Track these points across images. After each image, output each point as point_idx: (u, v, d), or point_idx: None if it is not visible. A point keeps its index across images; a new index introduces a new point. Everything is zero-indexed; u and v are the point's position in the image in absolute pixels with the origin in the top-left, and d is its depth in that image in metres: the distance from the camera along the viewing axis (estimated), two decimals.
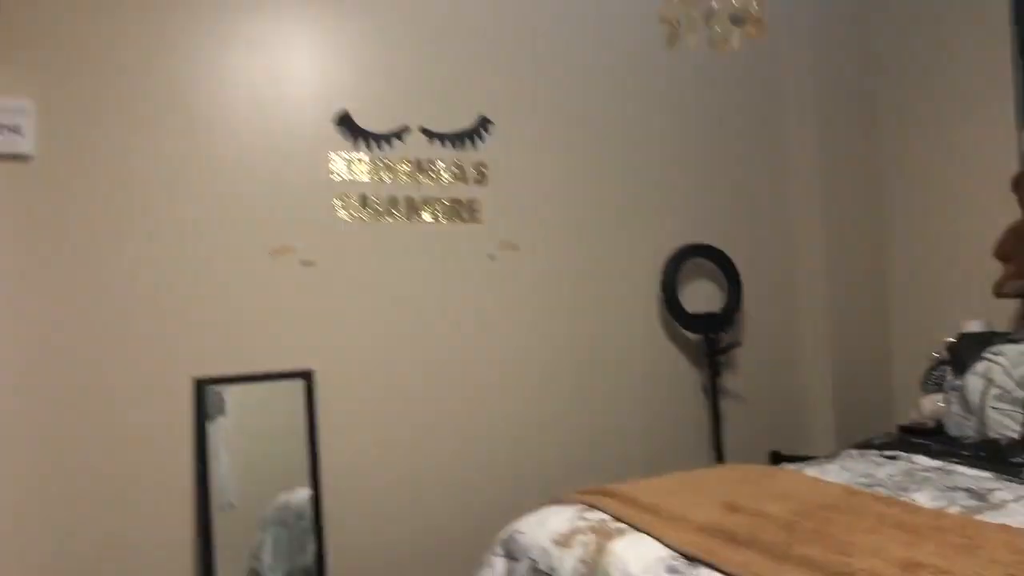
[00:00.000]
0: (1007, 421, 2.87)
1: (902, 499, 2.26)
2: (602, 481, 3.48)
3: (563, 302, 3.57)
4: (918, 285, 4.02)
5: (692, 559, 1.95)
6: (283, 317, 3.07)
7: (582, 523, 2.34)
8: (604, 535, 2.21)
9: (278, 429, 3.05)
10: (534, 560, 2.33)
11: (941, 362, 3.72)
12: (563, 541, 2.28)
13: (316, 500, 3.06)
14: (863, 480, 2.54)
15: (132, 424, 2.80)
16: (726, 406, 3.81)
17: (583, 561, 2.15)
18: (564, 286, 3.58)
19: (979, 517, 2.09)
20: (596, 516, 2.36)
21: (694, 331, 3.73)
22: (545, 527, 2.40)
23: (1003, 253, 3.45)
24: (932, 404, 3.53)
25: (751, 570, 1.80)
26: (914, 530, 1.92)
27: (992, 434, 2.89)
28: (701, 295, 3.84)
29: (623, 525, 2.25)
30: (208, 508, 2.85)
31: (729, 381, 3.84)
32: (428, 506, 3.26)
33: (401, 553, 3.20)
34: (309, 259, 3.13)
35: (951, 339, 3.29)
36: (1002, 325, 3.52)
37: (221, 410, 2.95)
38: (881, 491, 2.37)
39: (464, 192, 3.40)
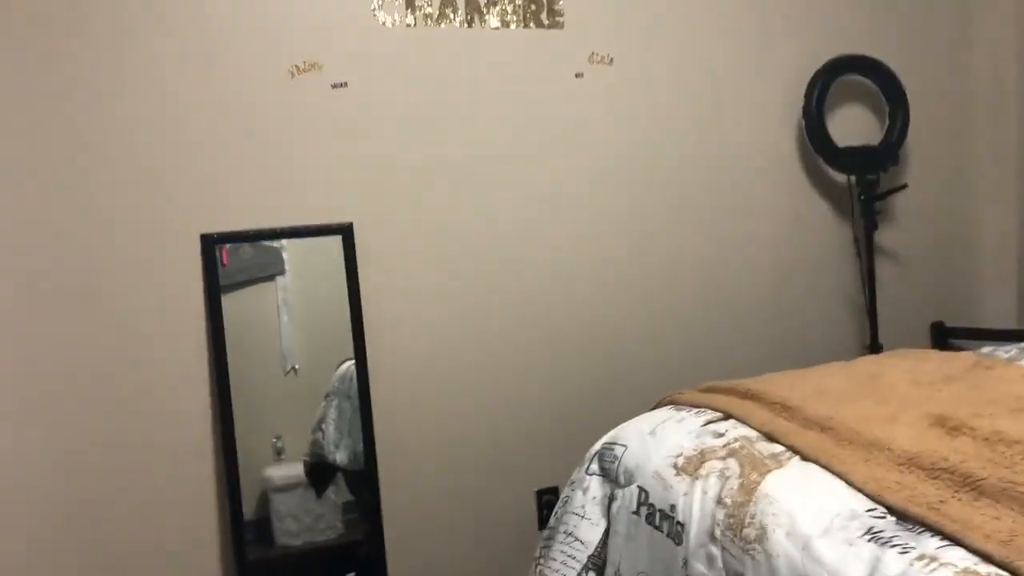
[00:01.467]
0: None
1: None
2: (722, 370, 2.76)
3: (672, 136, 2.74)
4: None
5: (906, 517, 1.22)
6: (310, 157, 2.36)
7: (714, 440, 1.63)
8: (752, 463, 1.49)
9: (323, 292, 2.46)
10: (645, 490, 1.64)
11: None
12: (687, 467, 1.58)
13: (363, 378, 2.44)
14: None
15: (145, 284, 2.20)
16: (881, 267, 2.98)
17: (722, 503, 1.45)
18: (674, 115, 2.74)
19: None
20: (733, 429, 1.65)
21: (845, 170, 2.86)
22: (659, 442, 1.70)
23: None
24: None
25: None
26: None
27: None
28: (854, 125, 2.95)
29: (778, 447, 1.53)
30: (226, 373, 2.26)
31: (885, 236, 2.99)
32: (493, 397, 2.59)
33: (462, 451, 2.57)
34: (340, 80, 2.38)
35: None
36: None
37: (280, 270, 2.41)
38: None
39: None
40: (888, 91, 2.89)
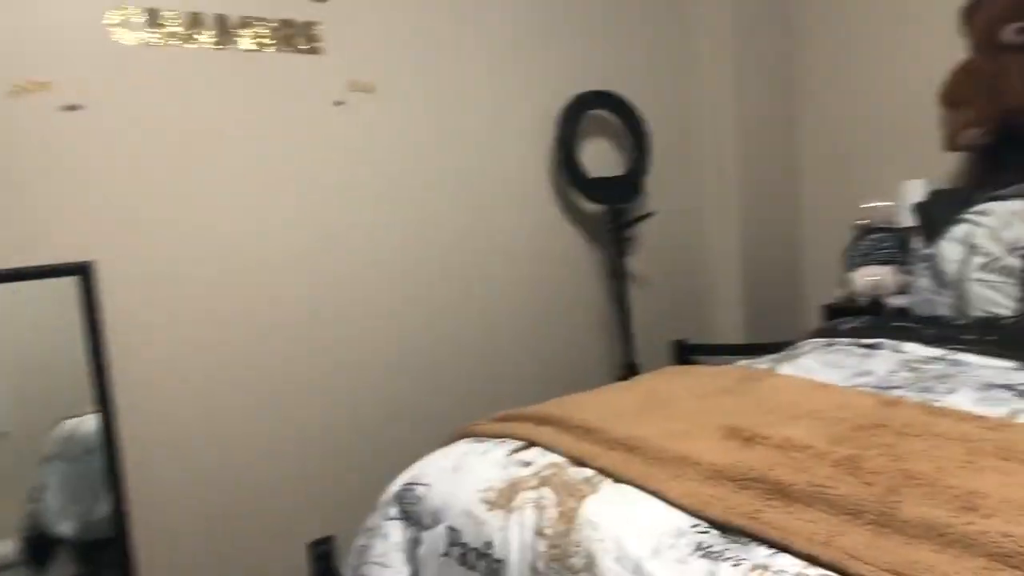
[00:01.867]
0: (995, 295, 2.36)
1: (948, 406, 1.67)
2: (494, 397, 2.78)
3: (432, 165, 2.73)
4: (833, 149, 3.47)
5: (728, 529, 1.25)
6: (38, 188, 2.06)
7: (523, 470, 1.60)
8: (567, 490, 1.48)
9: (45, 343, 2.14)
10: (455, 530, 1.57)
11: (869, 231, 3.23)
12: (500, 500, 1.54)
13: (108, 429, 2.16)
14: (867, 380, 1.94)
15: None
16: (630, 291, 3.15)
17: (542, 534, 1.42)
18: (435, 143, 2.74)
19: None
20: (540, 457, 1.62)
21: (597, 200, 3.00)
22: (464, 477, 1.65)
23: (954, 98, 2.92)
24: (864, 279, 3.04)
25: (848, 547, 1.13)
26: None
27: (975, 311, 2.39)
28: (603, 157, 3.10)
29: (588, 471, 1.53)
30: None
31: (633, 261, 3.16)
32: (260, 444, 2.42)
33: (231, 505, 2.36)
34: (74, 102, 2.11)
35: (919, 199, 2.75)
36: (943, 184, 3.02)
37: None
38: (910, 397, 1.77)
39: (298, 8, 2.44)
40: (630, 125, 3.07)
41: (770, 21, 3.45)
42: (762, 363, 2.20)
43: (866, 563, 1.08)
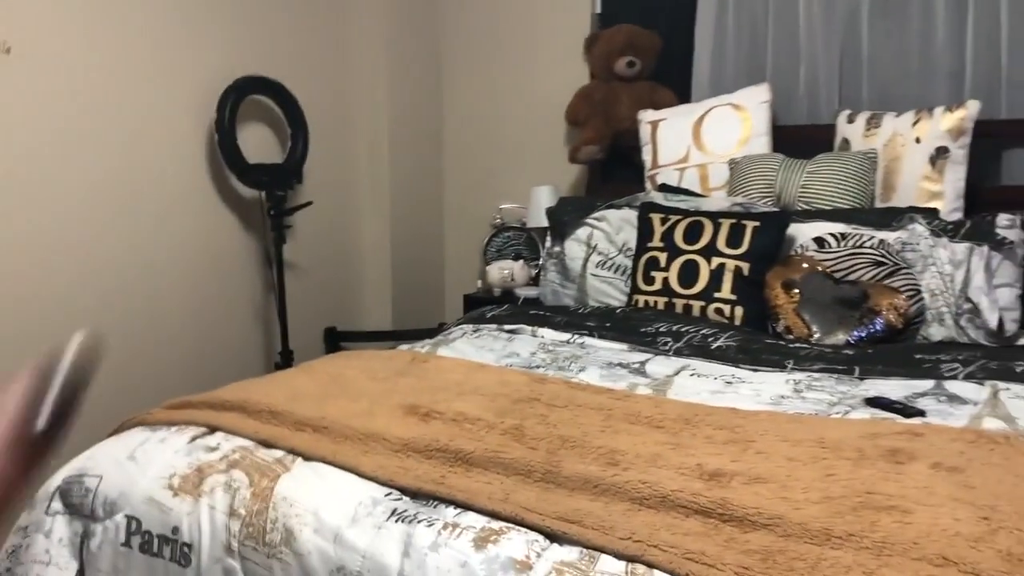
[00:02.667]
0: (608, 288, 2.78)
1: (582, 382, 1.97)
2: (146, 382, 2.67)
3: (77, 138, 2.53)
4: (473, 153, 3.79)
5: (419, 495, 1.40)
6: None
7: (209, 455, 1.60)
8: (259, 470, 1.52)
9: None
10: (136, 519, 1.54)
11: (503, 229, 3.59)
12: (186, 486, 1.53)
13: None
14: (515, 360, 2.21)
15: None
16: (287, 279, 3.17)
17: (235, 515, 1.45)
18: (83, 114, 2.54)
19: (670, 395, 1.89)
20: (225, 442, 1.64)
21: (256, 186, 2.98)
22: (144, 466, 1.61)
23: (575, 118, 3.36)
24: (499, 272, 3.38)
25: (520, 502, 1.32)
26: (658, 424, 1.62)
27: (592, 302, 2.80)
28: (263, 143, 3.09)
29: (278, 452, 1.58)
30: None
31: (290, 249, 3.19)
32: None
33: None
34: None
35: (549, 203, 3.11)
36: (566, 191, 3.46)
37: None
38: (552, 374, 2.06)
39: None
40: (290, 113, 3.10)
41: (421, 32, 3.68)
42: (423, 347, 2.39)
43: (539, 514, 1.29)
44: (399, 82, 3.56)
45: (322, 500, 1.42)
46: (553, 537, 1.25)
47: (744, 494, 1.29)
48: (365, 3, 3.46)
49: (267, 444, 1.61)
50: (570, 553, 1.22)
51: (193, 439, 1.66)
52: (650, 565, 1.16)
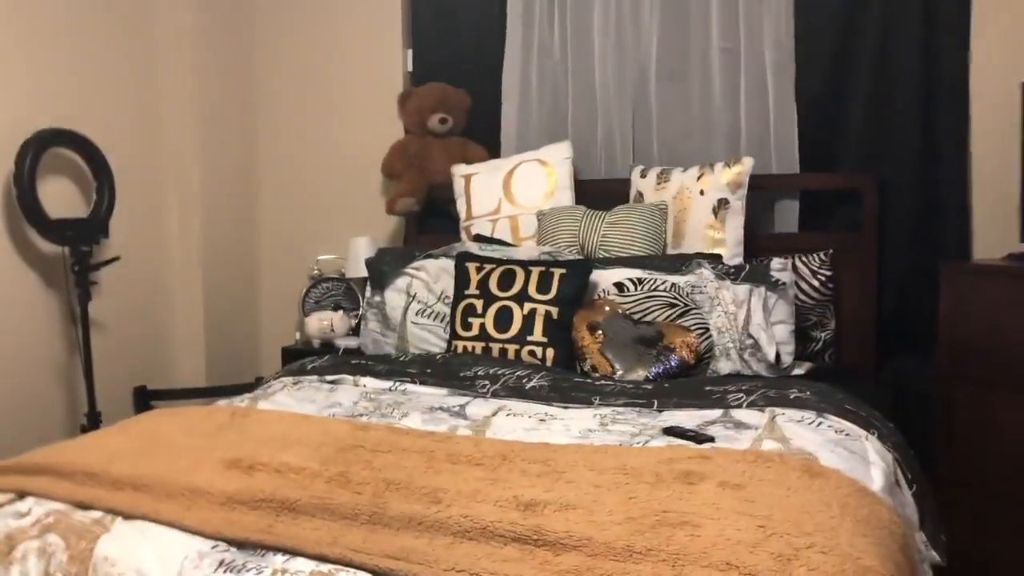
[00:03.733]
0: (428, 335, 2.88)
1: (405, 427, 2.05)
2: None
3: None
4: (290, 205, 3.80)
5: (246, 545, 1.42)
6: None
7: (20, 521, 1.55)
8: (76, 533, 1.49)
9: None
10: None
11: (322, 280, 3.61)
12: None
13: None
14: (337, 411, 2.25)
15: None
16: (93, 337, 3.03)
17: None
18: None
19: (489, 434, 2.00)
20: (37, 506, 1.59)
21: (58, 241, 2.86)
22: None
23: (391, 170, 3.46)
24: (318, 323, 3.41)
25: (347, 545, 1.38)
26: (478, 462, 1.72)
27: (413, 349, 2.88)
28: (65, 197, 2.97)
29: (96, 513, 1.55)
30: None
31: (96, 306, 3.06)
32: None
33: None
34: None
35: (368, 254, 3.17)
36: (384, 242, 3.54)
37: None
38: (375, 421, 2.12)
39: None
40: (94, 165, 3.01)
41: (233, 85, 3.67)
42: (242, 401, 2.38)
43: (367, 554, 1.35)
44: (211, 134, 3.53)
45: (146, 557, 1.41)
46: (381, 575, 1.32)
47: (556, 520, 1.41)
48: (174, 54, 3.42)
49: (83, 506, 1.57)
50: None
51: (1, 506, 1.60)
52: None
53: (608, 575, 1.24)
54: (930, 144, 2.83)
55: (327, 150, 3.70)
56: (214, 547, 1.42)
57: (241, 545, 1.42)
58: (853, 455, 1.87)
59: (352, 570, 1.33)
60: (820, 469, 1.66)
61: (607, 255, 2.89)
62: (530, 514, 1.44)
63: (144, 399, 3.35)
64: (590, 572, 1.25)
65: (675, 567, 1.26)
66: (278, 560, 1.37)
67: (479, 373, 2.47)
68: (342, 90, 3.66)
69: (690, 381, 2.44)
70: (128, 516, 1.53)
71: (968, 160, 2.81)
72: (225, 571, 1.36)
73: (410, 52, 3.56)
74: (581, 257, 2.88)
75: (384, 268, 2.99)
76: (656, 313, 2.63)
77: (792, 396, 2.20)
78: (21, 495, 1.63)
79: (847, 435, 1.99)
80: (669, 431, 1.99)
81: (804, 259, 2.85)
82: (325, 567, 1.34)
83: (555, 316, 2.64)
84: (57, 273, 2.95)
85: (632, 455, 1.76)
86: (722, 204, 2.87)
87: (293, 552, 1.38)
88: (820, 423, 2.04)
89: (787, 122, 3.04)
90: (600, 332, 2.58)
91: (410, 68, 3.55)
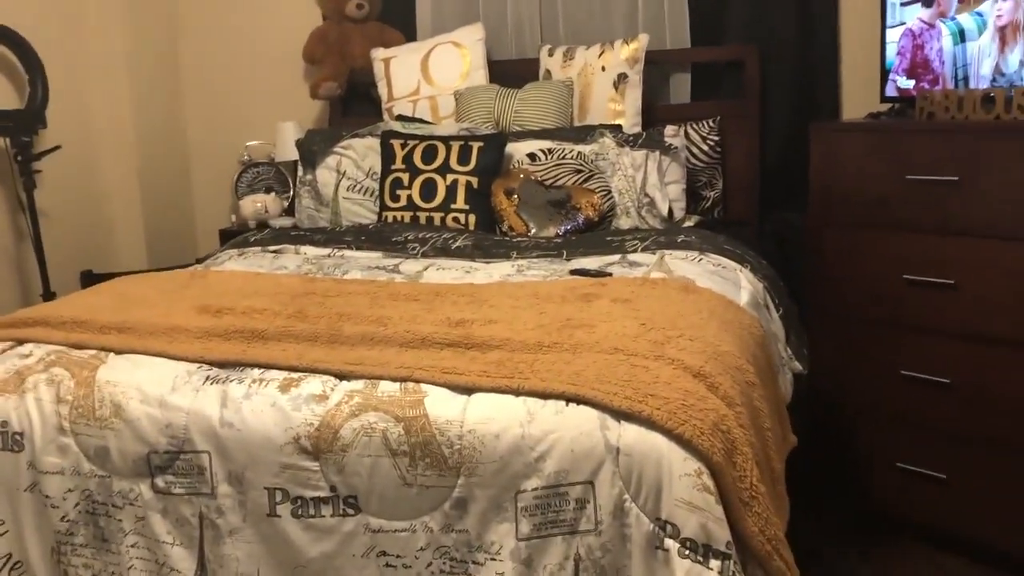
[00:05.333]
0: (360, 209, 3.14)
1: (349, 279, 2.34)
2: None
3: None
4: (216, 93, 3.95)
5: (226, 364, 1.72)
6: None
7: (24, 360, 1.81)
8: (77, 365, 1.76)
9: None
10: None
11: (250, 165, 3.81)
12: (7, 387, 1.76)
13: None
14: (286, 271, 2.52)
15: None
16: (40, 224, 3.21)
17: (63, 402, 1.70)
18: None
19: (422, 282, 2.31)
20: (36, 349, 1.85)
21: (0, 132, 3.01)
22: None
23: (312, 56, 3.64)
24: (252, 205, 3.62)
25: (312, 357, 1.69)
26: (415, 298, 2.04)
27: (346, 222, 3.14)
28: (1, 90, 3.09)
29: (92, 351, 1.82)
30: None
31: (42, 194, 3.22)
32: None
33: None
34: None
35: (298, 137, 3.37)
36: (310, 126, 3.73)
37: None
38: (321, 276, 2.40)
39: None
40: (24, 58, 3.12)
41: None
42: (195, 268, 2.63)
43: (329, 362, 1.66)
44: (135, 24, 3.64)
45: (142, 378, 1.70)
46: (342, 377, 1.63)
47: (482, 330, 1.74)
48: None
49: (79, 346, 1.84)
50: (357, 384, 1.60)
51: (3, 351, 1.85)
52: (417, 381, 1.57)
53: (523, 362, 1.58)
54: (804, 17, 3.15)
55: (249, 38, 3.84)
56: (199, 367, 1.72)
57: (222, 365, 1.72)
58: (726, 281, 2.25)
59: (318, 375, 1.64)
60: (695, 288, 2.03)
61: (520, 129, 3.17)
62: (461, 328, 1.77)
63: (91, 282, 3.55)
64: (510, 360, 1.59)
65: (574, 353, 1.61)
66: (255, 373, 1.67)
67: (409, 238, 2.76)
68: None
69: (594, 235, 2.78)
70: (119, 351, 1.80)
71: (838, 31, 3.15)
72: (212, 383, 1.66)
73: None
74: (496, 131, 3.16)
75: (314, 148, 3.22)
76: (565, 179, 2.94)
77: (679, 240, 2.56)
78: (20, 342, 1.88)
79: (723, 267, 2.37)
80: (575, 272, 2.33)
81: (695, 126, 3.18)
82: (295, 375, 1.65)
83: (475, 185, 2.93)
84: (1, 164, 3.10)
85: (543, 286, 2.10)
86: (622, 78, 3.16)
87: (267, 366, 1.69)
88: (701, 259, 2.40)
89: (679, 4, 3.32)
90: (516, 197, 2.89)
91: None
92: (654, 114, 3.25)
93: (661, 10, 3.35)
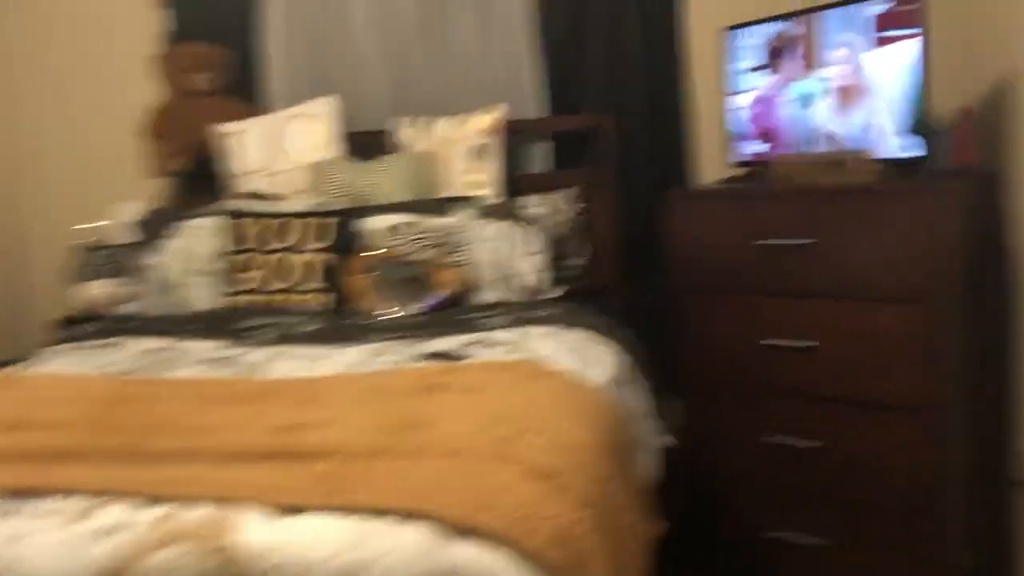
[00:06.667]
0: (204, 294, 2.93)
1: (180, 378, 2.14)
2: None
3: None
4: (53, 174, 3.70)
5: (20, 493, 1.50)
6: None
7: None
8: None
9: None
10: None
11: (92, 248, 3.54)
12: None
13: None
14: (114, 369, 2.30)
15: None
16: None
17: None
18: None
19: (260, 377, 2.14)
20: None
21: None
22: None
23: (157, 132, 3.44)
24: (92, 292, 3.36)
25: (118, 479, 1.49)
26: (245, 400, 1.86)
27: (190, 308, 2.92)
28: None
29: None
30: None
31: None
32: None
33: None
34: None
35: (138, 217, 3.15)
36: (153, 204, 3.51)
37: None
38: (151, 375, 2.20)
39: None
40: None
41: None
42: (16, 368, 2.38)
43: (134, 485, 1.47)
44: None
45: None
46: (151, 500, 1.44)
47: (313, 437, 1.59)
48: None
49: None
50: (162, 510, 1.42)
51: None
52: (232, 503, 1.40)
53: (353, 473, 1.43)
54: (655, 84, 3.17)
55: (90, 114, 3.62)
56: None
57: (15, 493, 1.50)
58: (588, 357, 2.16)
59: (124, 500, 1.44)
60: (550, 371, 1.93)
61: (377, 203, 3.05)
62: (289, 434, 1.61)
63: None
64: (339, 472, 1.44)
65: (413, 459, 1.47)
66: (47, 502, 1.46)
67: (256, 324, 2.58)
68: (100, 56, 3.58)
69: (456, 311, 2.66)
70: None
71: (690, 99, 3.17)
72: (2, 517, 1.44)
73: (167, 11, 3.52)
74: (353, 206, 3.03)
75: (157, 229, 3.01)
76: (424, 253, 2.82)
77: (542, 315, 2.47)
78: None
79: (586, 342, 2.29)
80: (431, 355, 2.20)
81: (559, 195, 3.12)
82: (98, 500, 1.45)
83: (330, 264, 2.78)
84: None
85: (388, 377, 1.96)
86: (481, 149, 3.09)
87: (67, 491, 1.48)
88: (563, 334, 2.32)
89: (536, 69, 3.29)
90: (372, 275, 2.75)
91: (168, 27, 3.52)
92: (517, 184, 3.18)
93: (519, 80, 3.30)
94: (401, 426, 1.59)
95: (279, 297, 2.75)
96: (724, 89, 2.77)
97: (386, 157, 3.16)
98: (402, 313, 2.68)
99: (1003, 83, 2.37)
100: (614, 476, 1.58)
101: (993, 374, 2.44)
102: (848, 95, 2.43)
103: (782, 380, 2.46)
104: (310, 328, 2.53)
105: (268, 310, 2.71)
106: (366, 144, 3.29)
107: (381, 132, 3.33)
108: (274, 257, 2.78)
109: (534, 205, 2.96)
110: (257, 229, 2.85)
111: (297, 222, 2.84)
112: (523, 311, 2.53)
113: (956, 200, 2.16)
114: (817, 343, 2.37)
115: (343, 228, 2.83)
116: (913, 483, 2.23)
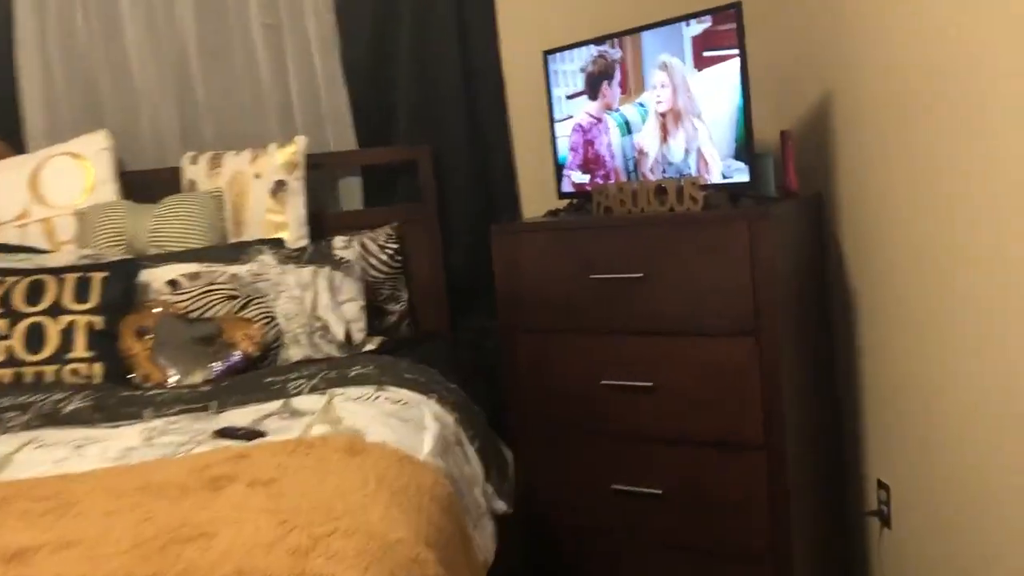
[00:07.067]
0: None
1: None
2: None
3: None
4: None
5: None
6: None
7: None
8: None
9: None
10: None
11: None
12: None
13: None
14: None
15: None
16: None
17: None
18: None
19: (4, 477, 1.71)
20: None
21: None
22: None
23: None
24: None
25: None
26: None
27: None
28: None
29: None
30: None
31: None
32: None
33: None
34: None
35: None
36: None
37: None
38: None
39: None
40: None
41: None
42: None
43: None
44: None
45: None
46: None
47: (47, 566, 1.21)
48: None
49: None
50: None
51: None
52: None
53: None
54: (474, 114, 2.93)
55: None
56: None
57: None
58: (406, 424, 1.87)
59: None
60: (363, 446, 1.63)
61: (159, 251, 2.65)
62: (16, 565, 1.22)
63: None
64: None
65: None
66: None
67: (5, 405, 2.12)
68: None
69: (254, 375, 2.30)
70: None
71: (508, 127, 2.96)
72: None
73: None
74: (129, 256, 2.61)
75: None
76: (216, 308, 2.45)
77: (353, 374, 2.15)
78: None
79: (404, 404, 1.99)
80: (220, 433, 1.84)
81: (371, 235, 2.82)
82: None
83: (99, 326, 2.36)
84: None
85: (161, 469, 1.58)
86: (280, 186, 2.76)
87: None
88: (378, 397, 2.01)
89: (339, 98, 2.98)
90: (150, 336, 2.35)
91: None
92: (323, 224, 2.86)
93: (319, 109, 2.99)
94: (169, 540, 1.24)
95: (35, 369, 2.30)
96: (546, 117, 2.58)
97: (169, 198, 2.76)
98: (186, 381, 2.29)
99: (821, 105, 2.31)
100: (441, 575, 1.30)
101: (830, 401, 2.35)
102: (671, 120, 2.29)
103: (620, 422, 2.26)
104: (73, 407, 2.09)
105: (20, 387, 2.25)
106: (147, 183, 2.87)
107: (165, 170, 2.93)
108: (27, 322, 2.32)
109: (341, 247, 2.65)
110: (4, 289, 2.38)
111: (54, 279, 2.40)
112: (333, 370, 2.20)
113: (778, 226, 2.04)
114: (652, 383, 2.19)
115: (113, 284, 2.41)
116: (757, 525, 2.08)
